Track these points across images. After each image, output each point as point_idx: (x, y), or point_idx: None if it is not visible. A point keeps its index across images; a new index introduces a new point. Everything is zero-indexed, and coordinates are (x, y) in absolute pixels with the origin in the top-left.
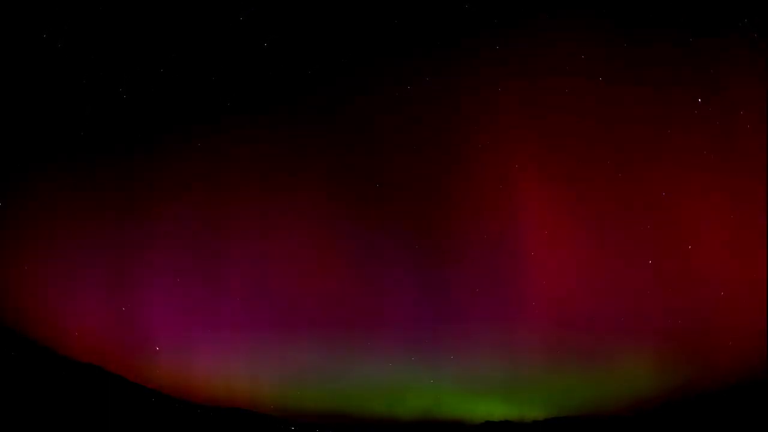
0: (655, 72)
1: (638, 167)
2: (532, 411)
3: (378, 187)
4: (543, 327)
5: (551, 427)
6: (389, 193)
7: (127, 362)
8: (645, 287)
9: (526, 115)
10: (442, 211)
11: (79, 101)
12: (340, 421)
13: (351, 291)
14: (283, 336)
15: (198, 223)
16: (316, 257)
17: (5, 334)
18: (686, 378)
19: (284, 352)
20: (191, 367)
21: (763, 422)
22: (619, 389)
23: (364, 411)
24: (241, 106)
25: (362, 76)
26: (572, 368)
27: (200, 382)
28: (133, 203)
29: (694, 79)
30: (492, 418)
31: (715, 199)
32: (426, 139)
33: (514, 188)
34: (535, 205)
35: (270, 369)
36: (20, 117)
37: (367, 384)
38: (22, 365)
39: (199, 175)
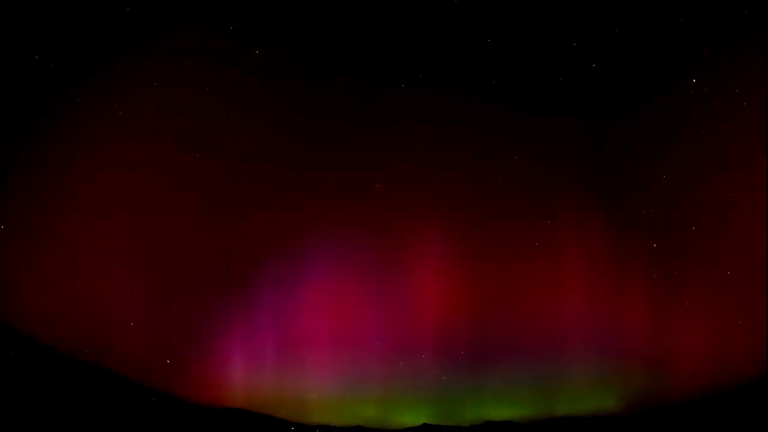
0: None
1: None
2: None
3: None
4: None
5: (551, 427)
6: None
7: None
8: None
9: None
10: None
11: None
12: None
13: None
14: None
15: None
16: None
17: (5, 334)
18: (685, 377)
19: None
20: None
21: (763, 423)
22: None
23: None
24: None
25: None
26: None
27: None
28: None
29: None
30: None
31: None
32: None
33: None
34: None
35: None
36: None
37: None
38: (22, 365)
39: None
